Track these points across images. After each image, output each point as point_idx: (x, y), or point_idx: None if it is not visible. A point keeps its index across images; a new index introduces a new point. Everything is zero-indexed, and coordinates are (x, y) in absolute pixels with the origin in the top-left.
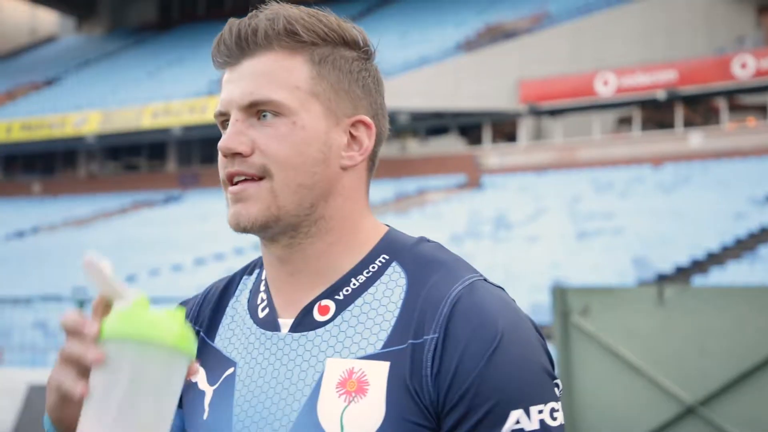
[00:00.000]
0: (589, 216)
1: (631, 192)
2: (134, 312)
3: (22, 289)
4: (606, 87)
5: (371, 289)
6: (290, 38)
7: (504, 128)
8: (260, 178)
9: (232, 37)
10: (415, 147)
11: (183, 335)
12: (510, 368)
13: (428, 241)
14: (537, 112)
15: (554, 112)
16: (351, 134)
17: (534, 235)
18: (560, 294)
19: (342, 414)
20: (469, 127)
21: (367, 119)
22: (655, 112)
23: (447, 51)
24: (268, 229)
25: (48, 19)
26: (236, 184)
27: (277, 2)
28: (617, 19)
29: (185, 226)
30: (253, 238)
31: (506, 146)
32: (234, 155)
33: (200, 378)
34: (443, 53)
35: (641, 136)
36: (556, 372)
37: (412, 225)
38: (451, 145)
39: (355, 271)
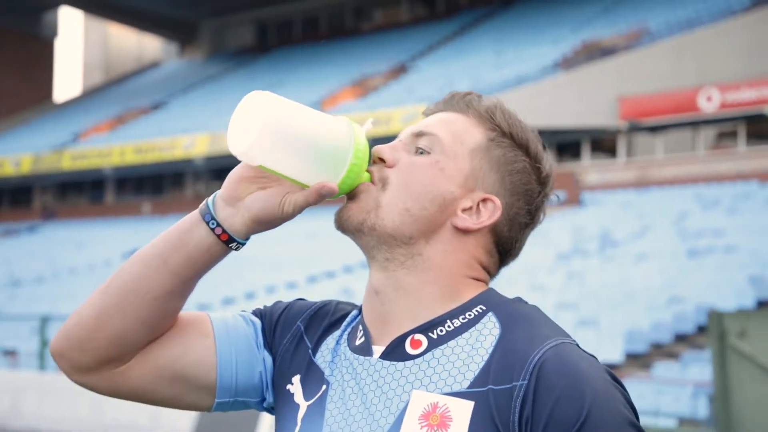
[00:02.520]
0: (698, 233)
1: (739, 208)
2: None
3: None
4: (709, 103)
5: (465, 334)
6: (486, 114)
7: (603, 145)
8: (378, 186)
9: (445, 97)
10: None
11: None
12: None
13: (525, 302)
14: (637, 129)
15: (655, 129)
16: (477, 206)
17: (642, 253)
18: (716, 318)
19: None
20: (568, 144)
21: (499, 203)
22: (761, 127)
23: (544, 69)
24: (361, 235)
25: (152, 46)
26: None
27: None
28: (720, 34)
29: (291, 244)
30: (361, 257)
31: (606, 163)
32: (379, 160)
33: (297, 391)
34: (540, 72)
35: (746, 151)
36: (713, 392)
37: None
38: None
39: (452, 315)
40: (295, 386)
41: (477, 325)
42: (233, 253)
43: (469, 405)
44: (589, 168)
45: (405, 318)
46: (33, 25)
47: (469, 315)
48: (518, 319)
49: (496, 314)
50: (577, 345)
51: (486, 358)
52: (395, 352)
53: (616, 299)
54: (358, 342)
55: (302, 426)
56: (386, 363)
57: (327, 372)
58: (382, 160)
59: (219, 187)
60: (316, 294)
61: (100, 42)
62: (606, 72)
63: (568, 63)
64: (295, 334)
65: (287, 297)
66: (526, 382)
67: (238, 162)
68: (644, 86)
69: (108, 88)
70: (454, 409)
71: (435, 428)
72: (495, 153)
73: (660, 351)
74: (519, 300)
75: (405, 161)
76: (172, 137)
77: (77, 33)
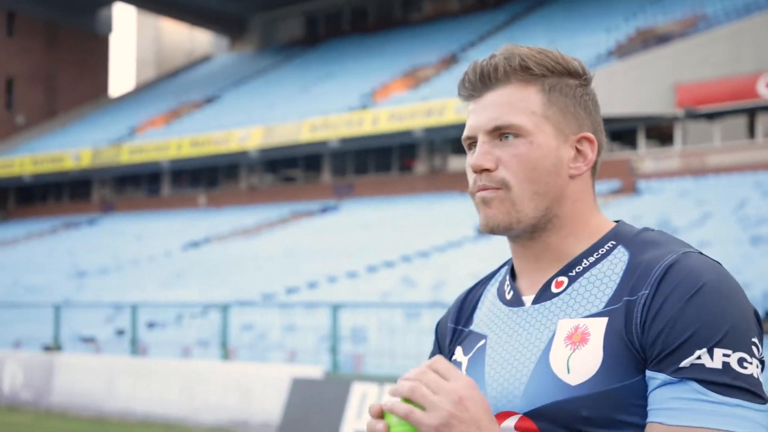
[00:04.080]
0: (760, 221)
1: None
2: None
3: (217, 293)
4: None
5: (598, 266)
6: (524, 72)
7: (659, 133)
8: (499, 189)
9: (476, 74)
10: None
11: None
12: (704, 312)
13: (653, 229)
14: (694, 116)
15: (712, 116)
16: (577, 149)
17: (704, 240)
18: None
19: (568, 359)
20: (623, 132)
21: (590, 135)
22: None
23: (599, 58)
24: (511, 230)
25: (203, 40)
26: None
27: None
28: None
29: (344, 234)
30: (413, 246)
31: (662, 151)
32: (482, 171)
33: (458, 354)
34: (595, 60)
35: None
36: None
37: None
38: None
39: (587, 254)
40: (457, 353)
41: (608, 257)
42: (292, 244)
43: (603, 321)
44: (645, 156)
45: (552, 266)
46: (88, 21)
47: (602, 251)
48: (646, 244)
49: (624, 245)
50: (700, 253)
51: (617, 281)
52: (543, 295)
53: None
54: (508, 297)
55: (467, 375)
56: (536, 306)
57: (484, 330)
58: (485, 170)
59: (272, 180)
60: (376, 283)
61: (153, 37)
62: (661, 59)
63: (622, 51)
64: (452, 334)
65: (348, 286)
66: (648, 290)
67: (290, 151)
68: (701, 73)
69: (160, 82)
70: (591, 327)
71: (577, 344)
72: (556, 99)
73: None
74: (646, 229)
75: (506, 157)
76: (227, 130)
77: (130, 28)
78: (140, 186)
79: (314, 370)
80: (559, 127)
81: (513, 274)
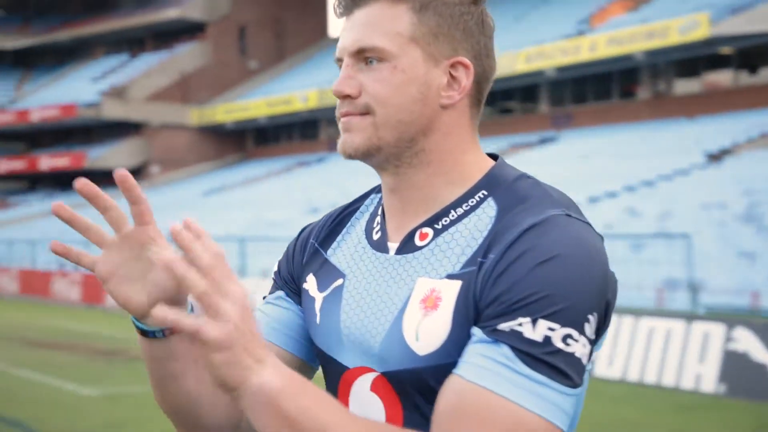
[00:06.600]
0: None
1: None
2: None
3: None
4: None
5: (465, 220)
6: None
7: None
8: (365, 114)
9: None
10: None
11: None
12: (545, 282)
13: (528, 177)
14: None
15: None
16: (451, 75)
17: None
18: None
19: (419, 326)
20: None
21: (465, 60)
22: None
23: None
24: (371, 157)
25: None
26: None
27: None
28: None
29: (563, 165)
30: (636, 176)
31: None
32: (344, 97)
33: (311, 285)
34: None
35: None
36: None
37: None
38: None
39: (456, 204)
40: (309, 282)
41: (476, 211)
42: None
43: (457, 285)
44: None
45: (419, 211)
46: None
47: (472, 202)
48: (517, 198)
49: (494, 198)
50: (568, 215)
51: (480, 240)
52: (407, 246)
53: None
54: (375, 237)
55: (321, 317)
56: (399, 257)
57: (344, 267)
58: (348, 96)
59: (489, 112)
60: (599, 214)
61: None
62: None
63: None
64: (310, 251)
65: None
66: (496, 255)
67: (505, 83)
68: None
69: None
70: (445, 291)
71: (428, 310)
72: (428, 18)
73: None
74: (522, 177)
75: (369, 83)
76: None
77: None
78: None
79: None
80: (429, 50)
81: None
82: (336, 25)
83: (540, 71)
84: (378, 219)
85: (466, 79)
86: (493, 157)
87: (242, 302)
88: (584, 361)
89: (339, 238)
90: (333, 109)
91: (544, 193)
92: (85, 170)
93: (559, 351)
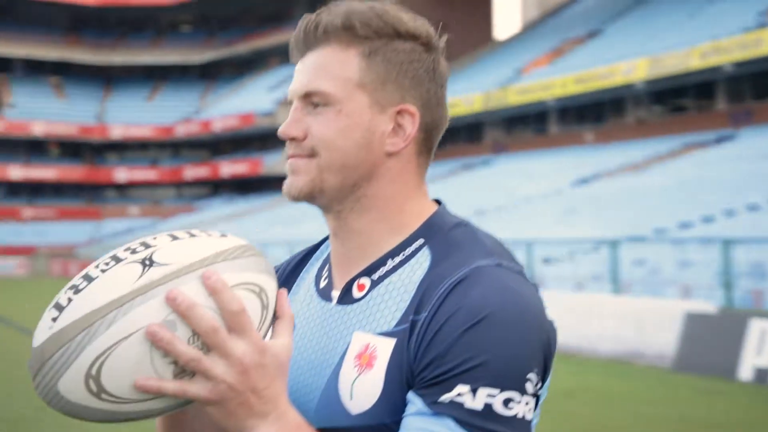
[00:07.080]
0: None
1: None
2: None
3: (608, 229)
4: None
5: (400, 270)
6: (346, 33)
7: None
8: (311, 156)
9: (301, 32)
10: None
11: None
12: (478, 346)
13: (465, 225)
14: None
15: None
16: (397, 122)
17: None
18: None
19: (353, 384)
20: None
21: (412, 108)
22: None
23: None
24: (314, 200)
25: None
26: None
27: None
28: None
29: (742, 165)
30: None
31: None
32: (291, 139)
33: None
34: None
35: None
36: None
37: None
38: None
39: (393, 253)
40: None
41: (411, 261)
42: (684, 177)
43: (391, 343)
44: None
45: (359, 259)
46: None
47: (409, 250)
48: (450, 247)
49: (430, 246)
50: (500, 265)
51: (412, 294)
52: (346, 296)
53: None
54: (322, 284)
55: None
56: (338, 307)
57: (297, 314)
58: (294, 138)
59: (661, 111)
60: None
61: None
62: None
63: None
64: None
65: (748, 220)
66: (427, 313)
67: (679, 81)
68: None
69: (544, 21)
70: (380, 348)
71: (363, 367)
72: (377, 65)
73: None
74: (459, 224)
75: (314, 126)
76: (611, 64)
77: None
78: (528, 126)
79: (708, 305)
80: (376, 96)
81: None
82: (500, 29)
83: (717, 67)
84: (328, 266)
85: (411, 126)
86: (439, 203)
87: (249, 359)
88: (528, 417)
89: (297, 281)
90: (497, 111)
91: (475, 242)
92: (261, 176)
93: (500, 417)
